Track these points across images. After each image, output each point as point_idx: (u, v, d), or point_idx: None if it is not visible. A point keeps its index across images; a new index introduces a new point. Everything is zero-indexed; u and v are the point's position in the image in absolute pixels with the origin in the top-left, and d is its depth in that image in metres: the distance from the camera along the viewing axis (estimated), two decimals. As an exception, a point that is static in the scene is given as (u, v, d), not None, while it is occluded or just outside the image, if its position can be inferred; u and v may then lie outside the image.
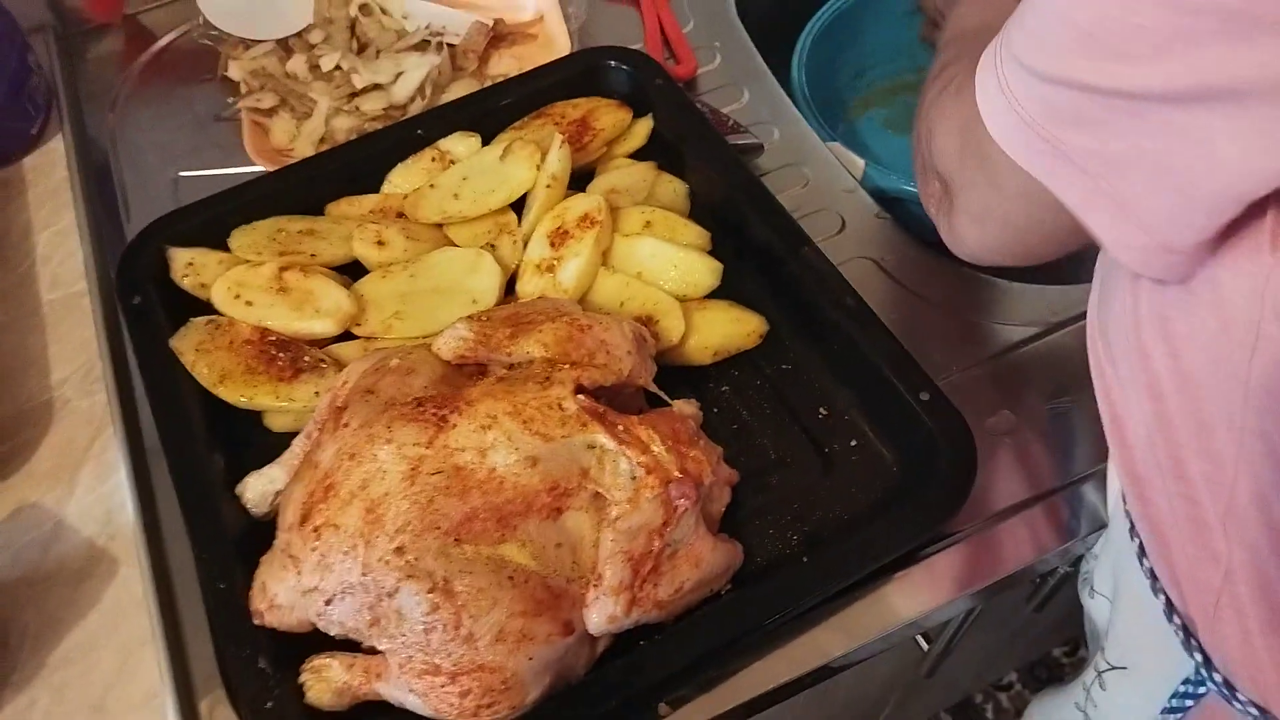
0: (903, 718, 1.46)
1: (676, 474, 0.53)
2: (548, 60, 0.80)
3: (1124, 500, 0.53)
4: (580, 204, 0.68)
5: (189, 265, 0.69)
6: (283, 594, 0.53)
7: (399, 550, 0.50)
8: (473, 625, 0.49)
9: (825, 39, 0.95)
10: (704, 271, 0.66)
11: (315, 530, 0.52)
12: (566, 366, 0.56)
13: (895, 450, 0.60)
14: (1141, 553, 0.51)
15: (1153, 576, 0.50)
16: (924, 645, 0.78)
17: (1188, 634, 0.48)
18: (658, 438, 0.53)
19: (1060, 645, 1.64)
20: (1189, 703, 0.51)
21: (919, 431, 0.58)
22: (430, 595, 0.49)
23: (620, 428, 0.53)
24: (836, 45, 0.96)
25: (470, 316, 0.60)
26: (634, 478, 0.53)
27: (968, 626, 0.74)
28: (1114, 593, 0.57)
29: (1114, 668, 0.57)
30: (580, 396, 0.54)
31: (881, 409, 0.60)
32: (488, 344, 0.58)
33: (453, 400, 0.54)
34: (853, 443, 0.61)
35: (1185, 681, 0.50)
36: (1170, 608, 0.49)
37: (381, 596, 0.50)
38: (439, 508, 0.51)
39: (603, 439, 0.53)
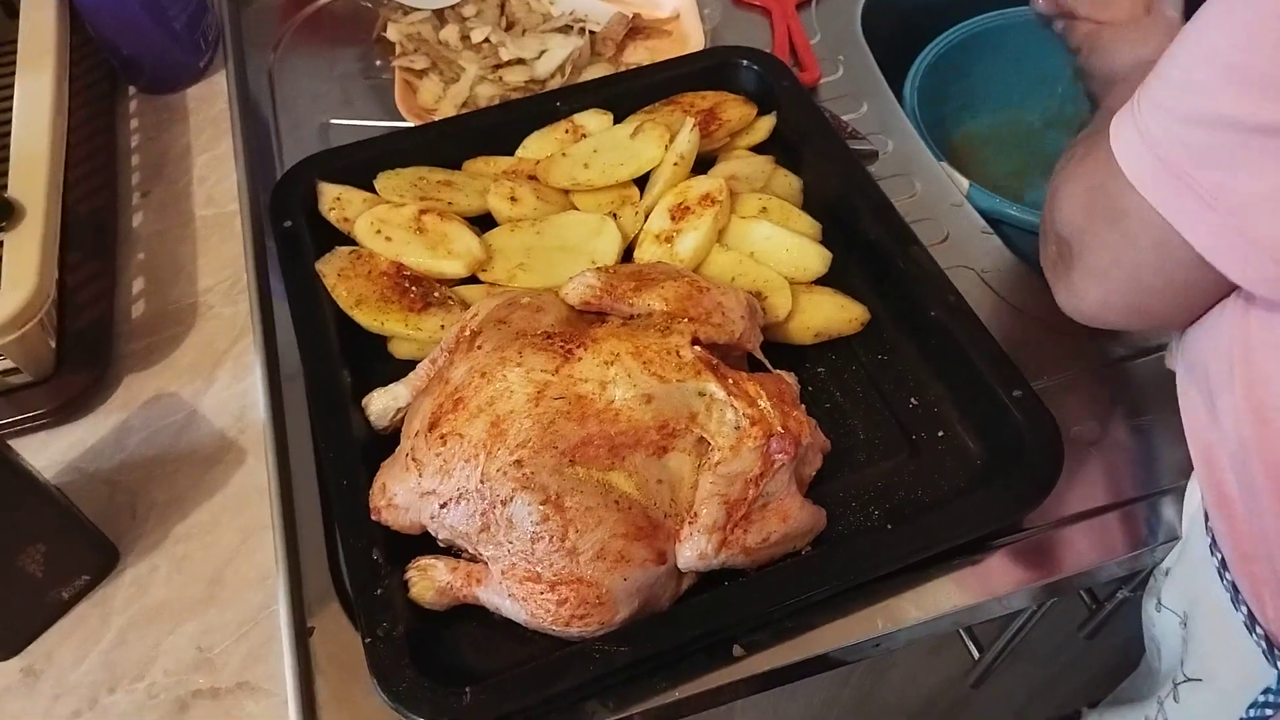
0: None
1: (779, 429, 0.56)
2: (678, 55, 0.86)
3: (1205, 518, 0.55)
4: (703, 184, 0.73)
5: (336, 199, 0.75)
6: (401, 495, 0.58)
7: (518, 463, 0.54)
8: (577, 539, 0.53)
9: (939, 67, 0.99)
10: (814, 257, 0.70)
11: (441, 437, 0.56)
12: (685, 320, 0.60)
13: (981, 443, 0.63)
14: (1223, 567, 0.53)
15: (1234, 590, 0.52)
16: (975, 653, 0.81)
17: (1270, 645, 0.50)
18: (765, 394, 0.57)
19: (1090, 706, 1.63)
20: (1269, 712, 0.53)
21: (1008, 427, 0.60)
22: (542, 506, 0.53)
23: (730, 380, 0.57)
24: (948, 75, 1.00)
25: (598, 268, 0.65)
26: (738, 427, 0.56)
27: (1023, 634, 0.76)
28: (1189, 606, 0.59)
29: (1189, 679, 0.59)
30: (696, 347, 0.58)
31: (972, 403, 0.64)
32: (612, 293, 0.62)
33: (579, 336, 0.59)
34: (940, 433, 0.64)
35: (1265, 691, 0.52)
36: (1252, 620, 0.51)
37: (495, 504, 0.55)
38: (558, 430, 0.55)
39: (713, 388, 0.57)
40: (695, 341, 0.59)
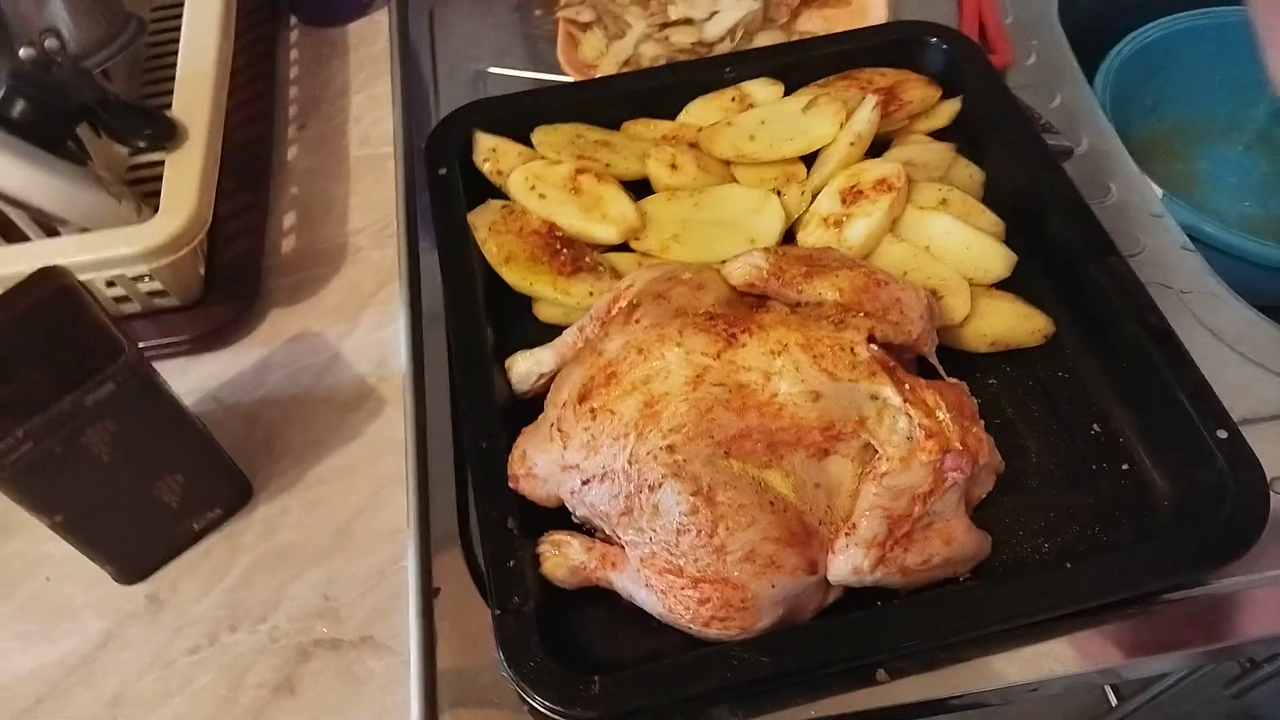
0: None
1: (957, 445, 0.51)
2: (857, 27, 0.80)
3: None
4: (879, 168, 0.68)
5: (491, 150, 0.73)
6: (542, 465, 0.55)
7: (670, 448, 0.51)
8: (727, 537, 0.50)
9: (1133, 62, 0.91)
10: (997, 258, 0.64)
11: (591, 411, 0.54)
12: (861, 315, 0.55)
13: (1172, 484, 0.57)
14: None
15: None
16: (1113, 700, 0.75)
17: None
18: (944, 405, 0.52)
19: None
20: None
21: (1207, 469, 0.54)
22: (693, 497, 0.50)
23: (907, 386, 0.53)
24: (1142, 73, 0.92)
25: (766, 248, 0.60)
26: (910, 438, 0.52)
27: (1171, 690, 0.70)
28: None
29: None
30: (872, 346, 0.54)
31: (1165, 437, 0.57)
32: (781, 277, 0.58)
33: (744, 321, 0.55)
34: (1124, 466, 0.59)
35: None
36: None
37: (642, 488, 0.52)
38: (716, 418, 0.52)
39: (889, 392, 0.52)
40: (871, 339, 0.54)
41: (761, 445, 0.52)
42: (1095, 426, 0.60)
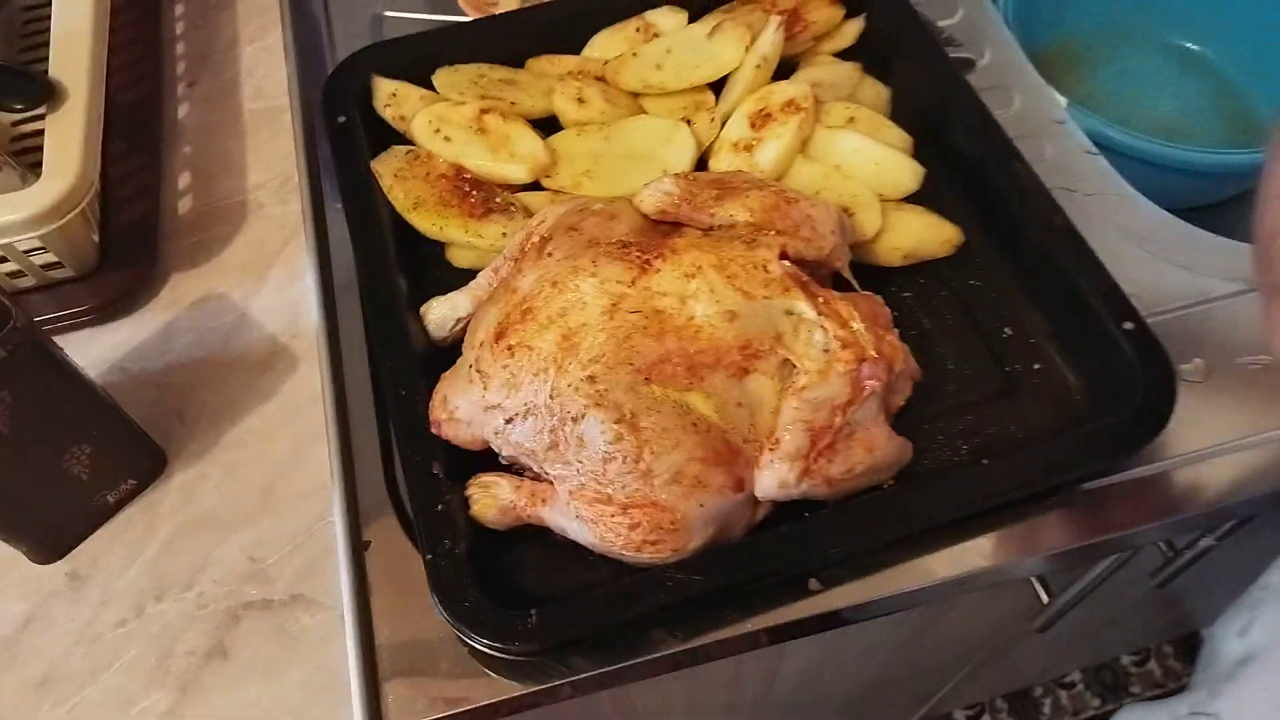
0: (960, 695, 1.45)
1: (872, 353, 0.52)
2: (759, -49, 0.79)
3: None
4: (787, 89, 0.67)
5: (392, 95, 0.70)
6: (464, 408, 0.54)
7: (591, 379, 0.51)
8: (653, 461, 0.50)
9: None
10: (905, 172, 0.65)
11: (509, 349, 0.53)
12: (772, 233, 0.55)
13: (1084, 378, 0.59)
14: None
15: None
16: (1044, 598, 0.77)
17: None
18: (858, 316, 0.53)
19: (1130, 654, 1.61)
20: None
21: (1116, 362, 0.56)
22: (616, 425, 0.50)
23: (821, 299, 0.53)
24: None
25: (676, 174, 0.60)
26: (827, 350, 0.52)
27: (1100, 581, 0.73)
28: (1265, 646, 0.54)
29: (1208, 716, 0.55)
30: (785, 262, 0.54)
31: (1075, 335, 0.59)
32: (692, 202, 0.58)
33: (658, 246, 0.54)
34: (1036, 365, 0.60)
35: None
36: None
37: (565, 421, 0.51)
38: (634, 345, 0.51)
39: (803, 306, 0.53)
40: (783, 256, 0.54)
41: (681, 369, 0.52)
42: (1007, 330, 0.61)
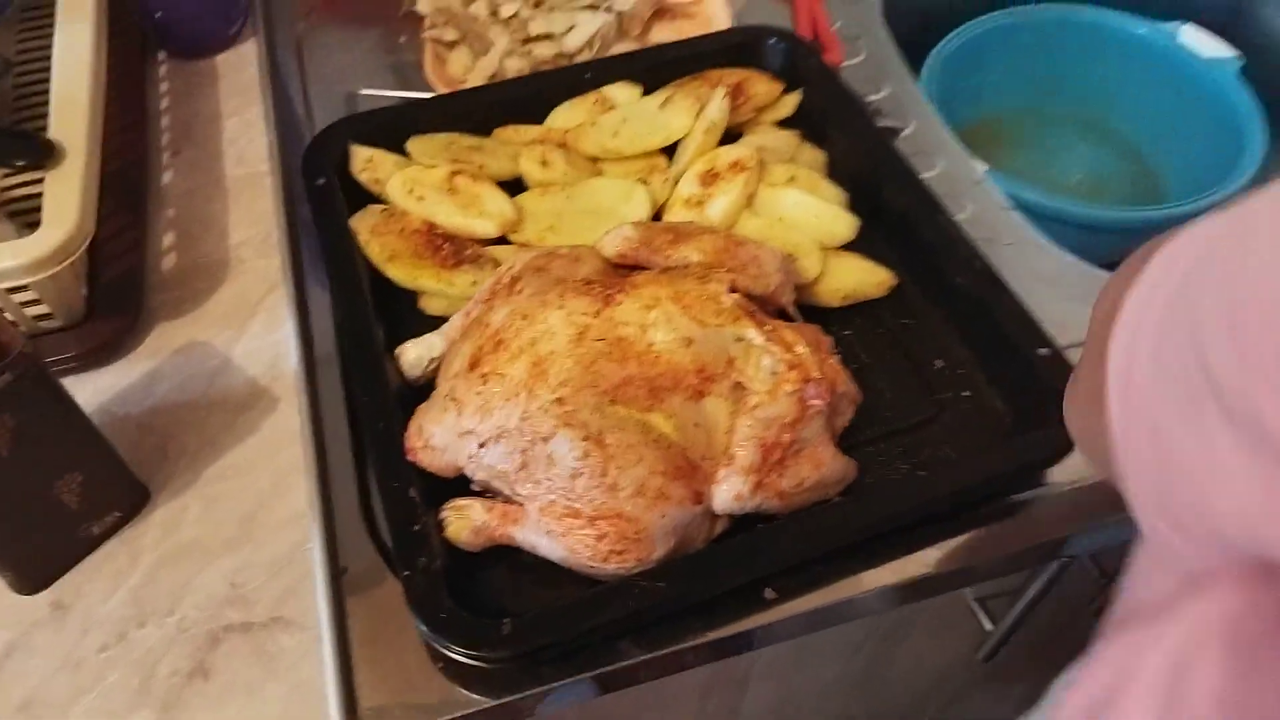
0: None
1: (815, 374, 0.57)
2: (704, 35, 0.87)
3: None
4: (733, 151, 0.74)
5: (368, 161, 0.76)
6: (438, 435, 0.58)
7: (559, 401, 0.55)
8: (618, 475, 0.54)
9: (956, 59, 1.01)
10: (841, 223, 0.71)
11: (482, 376, 0.57)
12: (724, 270, 0.61)
13: (1008, 402, 0.64)
14: None
15: None
16: (988, 625, 0.81)
17: None
18: (802, 341, 0.58)
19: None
20: None
21: (1034, 384, 0.62)
22: (584, 442, 0.54)
23: (769, 327, 0.58)
24: (964, 69, 1.03)
25: (634, 222, 0.66)
26: (775, 372, 0.57)
27: (1037, 604, 0.77)
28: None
29: None
30: (735, 294, 0.59)
31: (998, 363, 0.65)
32: (649, 245, 0.63)
33: (619, 283, 0.60)
34: (965, 393, 0.65)
35: None
36: None
37: (536, 441, 0.55)
38: (599, 370, 0.56)
39: (752, 333, 0.58)
40: (733, 289, 0.59)
41: (643, 391, 0.56)
42: (939, 361, 0.67)
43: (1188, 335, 0.28)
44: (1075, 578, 0.75)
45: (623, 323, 0.57)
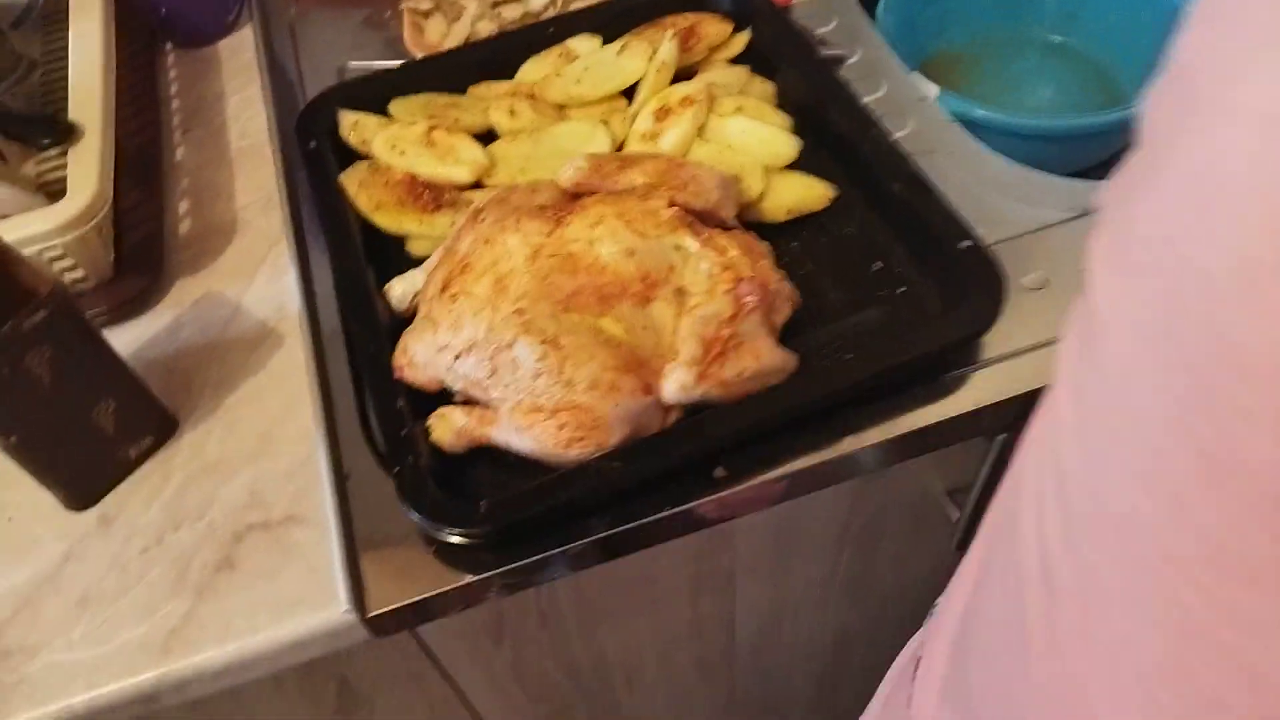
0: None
1: (748, 274, 0.64)
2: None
3: None
4: (683, 88, 0.81)
5: (355, 124, 0.84)
6: (420, 352, 0.66)
7: (519, 312, 0.62)
8: (573, 372, 0.61)
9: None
10: (784, 144, 0.77)
11: (452, 296, 0.65)
12: (664, 189, 0.67)
13: (937, 292, 0.70)
14: None
15: None
16: (954, 515, 0.87)
17: None
18: (734, 245, 0.65)
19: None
20: None
21: (959, 273, 0.67)
22: (541, 345, 0.61)
23: (705, 235, 0.65)
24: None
25: (587, 154, 0.72)
26: (711, 275, 0.64)
27: (992, 486, 0.83)
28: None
29: None
30: (673, 208, 0.66)
31: (928, 260, 0.70)
32: (600, 172, 0.70)
33: (569, 206, 0.66)
34: (901, 290, 0.71)
35: None
36: None
37: (501, 348, 0.63)
38: (553, 283, 0.63)
39: (689, 241, 0.64)
40: (672, 204, 0.66)
41: (593, 299, 0.63)
42: (878, 263, 0.73)
43: None
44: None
45: (572, 240, 0.64)
